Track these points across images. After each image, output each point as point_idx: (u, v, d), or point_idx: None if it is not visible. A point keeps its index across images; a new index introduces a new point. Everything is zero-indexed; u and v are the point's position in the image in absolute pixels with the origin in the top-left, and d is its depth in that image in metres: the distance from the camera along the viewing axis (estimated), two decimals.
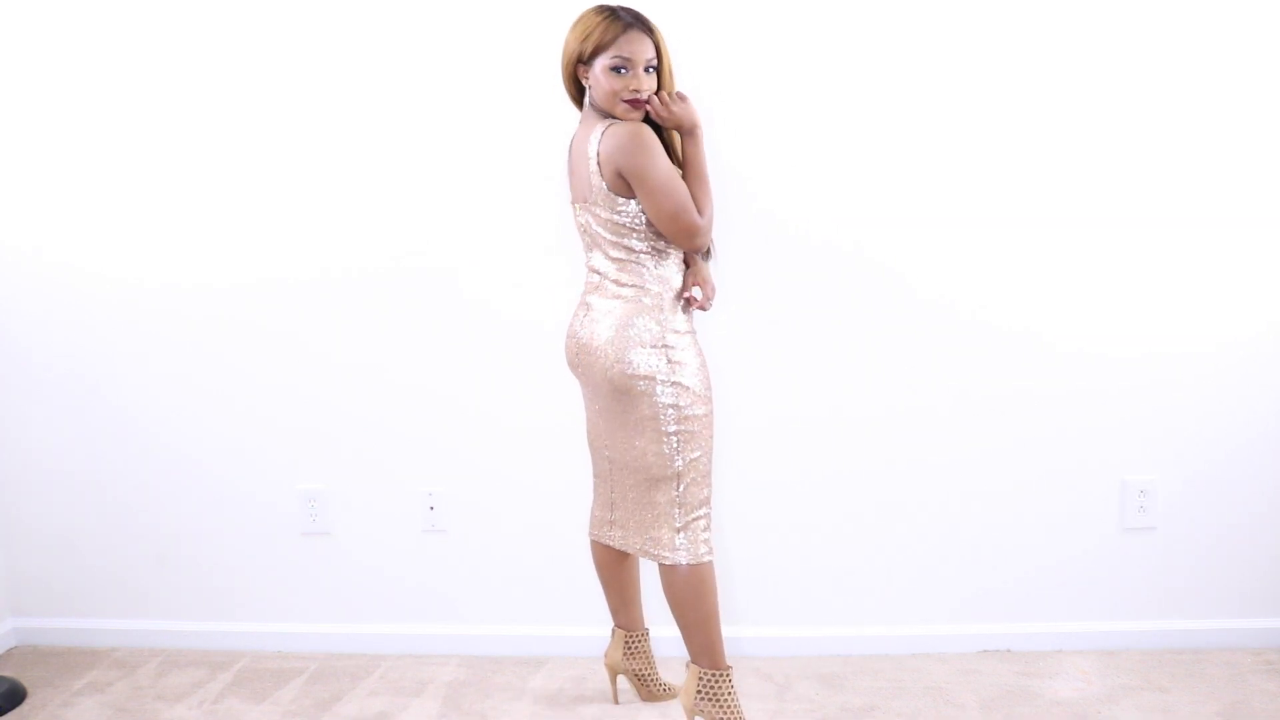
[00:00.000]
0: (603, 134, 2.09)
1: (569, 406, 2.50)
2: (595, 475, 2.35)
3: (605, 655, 2.43)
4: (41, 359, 2.76)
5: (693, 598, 2.15)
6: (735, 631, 2.57)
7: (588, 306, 2.21)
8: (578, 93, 2.20)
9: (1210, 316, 2.54)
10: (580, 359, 2.21)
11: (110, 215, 2.69)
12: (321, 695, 2.52)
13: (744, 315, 2.54)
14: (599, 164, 2.09)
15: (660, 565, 2.18)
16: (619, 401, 2.15)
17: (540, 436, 2.65)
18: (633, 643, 2.40)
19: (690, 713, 2.19)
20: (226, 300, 2.69)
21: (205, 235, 2.68)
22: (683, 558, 2.14)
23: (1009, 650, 2.62)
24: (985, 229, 2.53)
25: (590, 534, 2.38)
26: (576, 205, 2.21)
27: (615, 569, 2.37)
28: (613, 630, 2.42)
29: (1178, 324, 2.54)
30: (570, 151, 2.22)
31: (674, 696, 2.42)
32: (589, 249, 2.22)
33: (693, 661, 2.18)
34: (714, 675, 2.16)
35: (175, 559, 2.79)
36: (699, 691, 2.16)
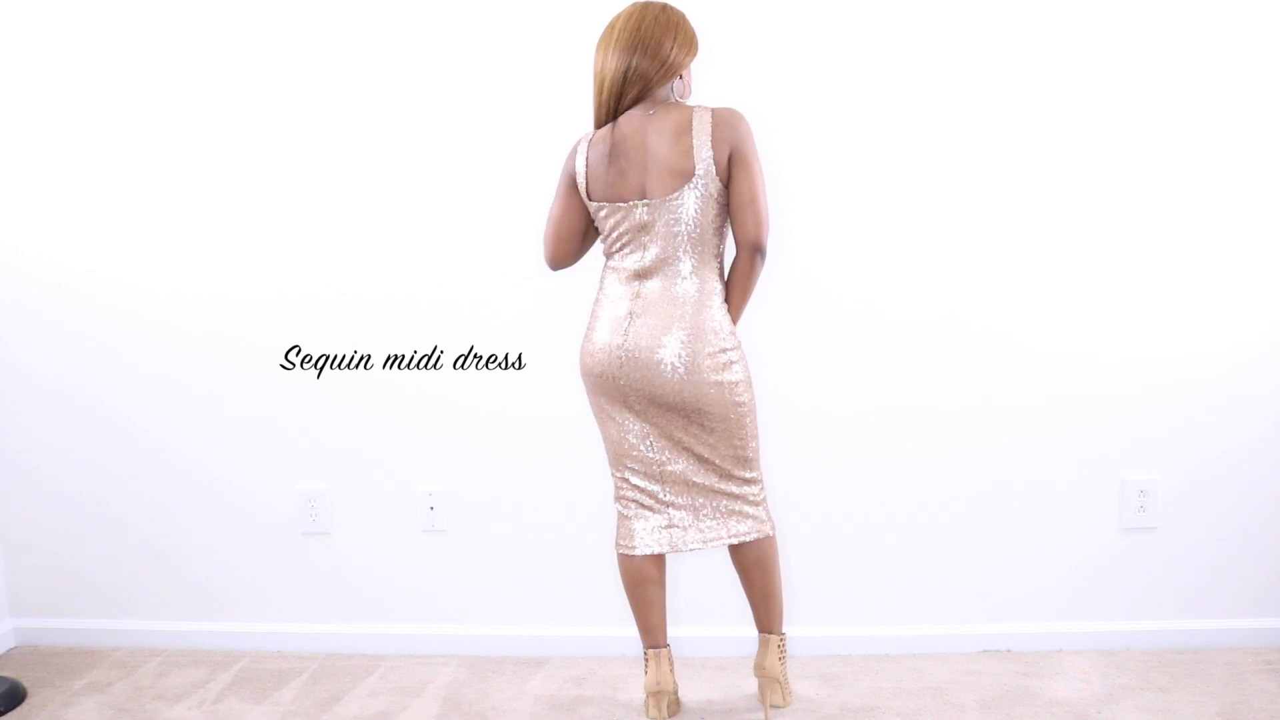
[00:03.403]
0: (713, 114, 2.10)
1: (569, 406, 2.50)
2: (634, 489, 2.24)
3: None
4: (42, 359, 2.76)
5: (776, 563, 2.28)
6: (736, 632, 2.58)
7: (632, 315, 2.14)
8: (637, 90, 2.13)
9: (1211, 317, 2.53)
10: (638, 367, 2.13)
11: (110, 218, 2.69)
12: (321, 695, 2.52)
13: (745, 320, 2.53)
14: (713, 144, 2.08)
15: (746, 544, 2.24)
16: (702, 402, 2.14)
17: (540, 436, 2.64)
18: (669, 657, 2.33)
19: (780, 678, 2.34)
20: (226, 299, 2.69)
21: (204, 237, 2.68)
22: (769, 529, 2.25)
23: (1009, 650, 2.62)
24: (989, 242, 2.53)
25: (637, 553, 2.24)
26: (631, 203, 2.13)
27: (662, 582, 2.30)
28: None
29: (1178, 325, 2.54)
30: (623, 145, 2.12)
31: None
32: (639, 249, 2.15)
33: (774, 631, 2.33)
34: (783, 638, 2.35)
35: (175, 559, 2.79)
36: (781, 657, 2.34)
